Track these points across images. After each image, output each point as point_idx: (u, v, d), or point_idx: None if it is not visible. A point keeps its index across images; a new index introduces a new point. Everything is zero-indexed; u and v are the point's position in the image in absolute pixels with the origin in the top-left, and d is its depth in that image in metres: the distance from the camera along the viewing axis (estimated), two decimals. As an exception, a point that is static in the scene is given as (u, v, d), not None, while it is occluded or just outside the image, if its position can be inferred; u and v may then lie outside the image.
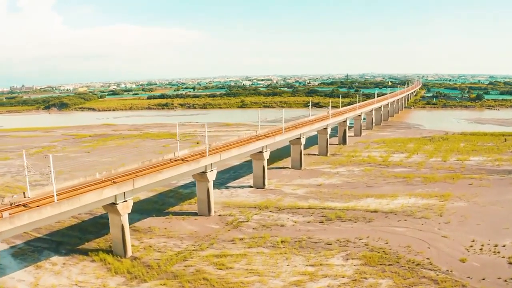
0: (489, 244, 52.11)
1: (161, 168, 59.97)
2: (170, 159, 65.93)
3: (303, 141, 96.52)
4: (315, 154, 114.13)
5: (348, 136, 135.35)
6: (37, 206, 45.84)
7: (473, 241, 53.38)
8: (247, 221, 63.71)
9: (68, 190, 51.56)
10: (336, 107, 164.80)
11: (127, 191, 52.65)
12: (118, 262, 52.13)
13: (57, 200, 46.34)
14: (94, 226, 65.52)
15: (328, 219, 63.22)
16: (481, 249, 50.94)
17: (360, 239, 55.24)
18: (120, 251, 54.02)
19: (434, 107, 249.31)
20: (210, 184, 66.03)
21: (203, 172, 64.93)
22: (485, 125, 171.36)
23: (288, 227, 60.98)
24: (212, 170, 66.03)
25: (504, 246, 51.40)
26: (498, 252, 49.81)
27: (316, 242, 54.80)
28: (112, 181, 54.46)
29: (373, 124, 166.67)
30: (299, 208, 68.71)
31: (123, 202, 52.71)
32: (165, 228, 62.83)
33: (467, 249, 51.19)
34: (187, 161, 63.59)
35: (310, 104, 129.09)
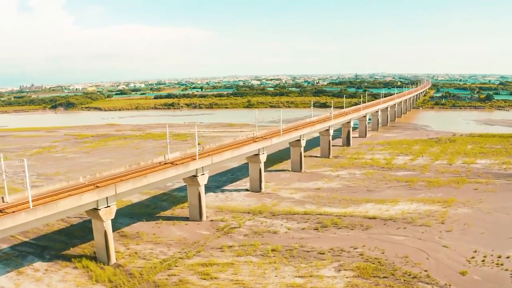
0: (492, 255, 48.89)
1: (147, 172, 57.54)
2: (160, 162, 63.52)
3: (303, 143, 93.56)
4: (317, 156, 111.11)
5: (353, 137, 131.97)
6: (13, 212, 43.79)
7: (475, 251, 50.20)
8: (239, 227, 61.06)
9: (48, 195, 49.42)
10: (342, 107, 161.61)
11: (109, 196, 50.40)
12: (100, 269, 50.10)
13: (33, 206, 44.17)
14: (82, 231, 63.44)
15: (324, 226, 60.31)
16: (483, 261, 47.73)
17: (355, 248, 52.27)
18: (104, 258, 51.89)
19: (443, 108, 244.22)
20: (201, 188, 63.50)
21: (193, 175, 62.42)
22: (494, 127, 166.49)
23: (281, 234, 58.19)
24: (203, 174, 63.47)
25: (508, 257, 48.11)
26: (502, 264, 46.56)
27: (308, 251, 51.96)
28: (95, 185, 52.22)
29: (379, 125, 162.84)
30: (294, 214, 65.87)
31: (105, 207, 50.50)
32: (154, 234, 60.52)
33: (468, 261, 48.02)
34: (177, 164, 61.12)
35: (311, 104, 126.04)
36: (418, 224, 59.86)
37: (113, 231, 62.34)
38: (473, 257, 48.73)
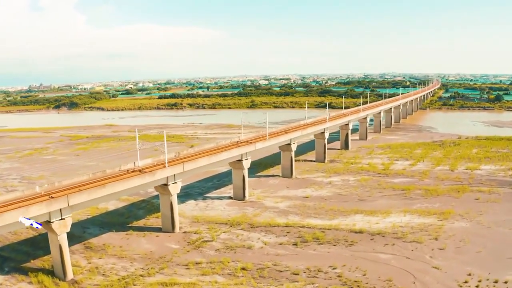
0: (488, 280, 43.26)
1: (110, 181, 52.84)
2: (128, 170, 58.84)
3: (293, 147, 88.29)
4: (312, 160, 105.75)
5: (353, 140, 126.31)
6: None
7: (469, 274, 44.54)
8: (212, 241, 56.10)
9: (-4, 207, 45.01)
10: (348, 107, 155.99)
11: (63, 208, 45.88)
12: (55, 286, 46.11)
13: (-30, 220, 39.81)
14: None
15: (304, 240, 55.01)
16: (477, 286, 42.13)
17: (334, 268, 46.96)
18: (60, 273, 47.70)
19: (451, 108, 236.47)
20: (174, 198, 58.71)
21: (164, 184, 57.69)
22: (502, 129, 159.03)
23: (256, 250, 53.07)
24: (175, 182, 58.65)
25: (506, 282, 42.46)
26: (498, 291, 41.01)
27: (281, 271, 46.80)
28: (50, 196, 47.74)
29: (382, 127, 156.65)
30: (274, 226, 60.62)
31: (59, 220, 46.04)
32: (120, 246, 55.94)
33: (460, 286, 42.49)
34: (145, 172, 56.40)
35: (306, 105, 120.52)
36: (409, 240, 54.28)
37: (80, 242, 58.34)
38: (466, 282, 43.15)
